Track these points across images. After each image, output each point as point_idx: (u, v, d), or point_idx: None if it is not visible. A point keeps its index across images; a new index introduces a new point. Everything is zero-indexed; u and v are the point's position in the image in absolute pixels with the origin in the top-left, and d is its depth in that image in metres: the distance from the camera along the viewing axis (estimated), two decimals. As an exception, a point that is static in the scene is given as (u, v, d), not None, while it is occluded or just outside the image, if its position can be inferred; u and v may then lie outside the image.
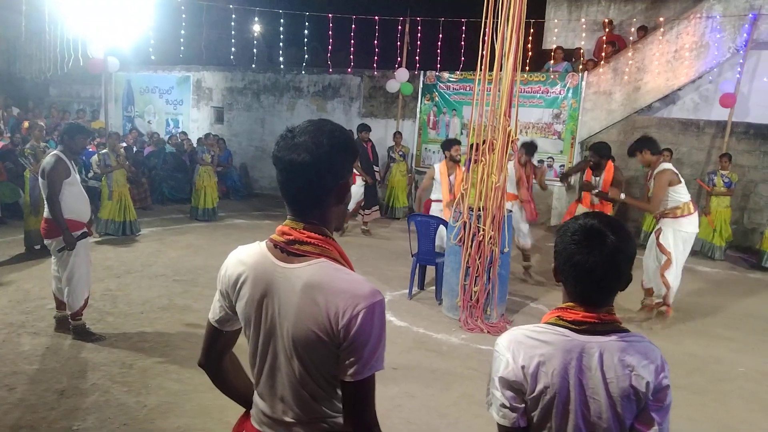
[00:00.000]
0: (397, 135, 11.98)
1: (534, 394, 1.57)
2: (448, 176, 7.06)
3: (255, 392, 1.63)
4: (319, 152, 1.44)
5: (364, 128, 10.28)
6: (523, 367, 1.57)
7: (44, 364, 4.42)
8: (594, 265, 1.54)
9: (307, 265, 1.46)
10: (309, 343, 1.43)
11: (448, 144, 7.24)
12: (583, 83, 11.18)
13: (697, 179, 10.23)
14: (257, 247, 1.56)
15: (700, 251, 9.50)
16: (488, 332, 5.61)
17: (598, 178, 6.60)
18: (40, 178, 4.78)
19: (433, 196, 7.34)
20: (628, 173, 11.04)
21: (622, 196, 6.21)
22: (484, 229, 5.72)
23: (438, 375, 4.66)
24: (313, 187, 1.48)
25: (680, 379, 4.59)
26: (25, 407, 3.77)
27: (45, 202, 4.79)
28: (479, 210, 5.73)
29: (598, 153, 6.58)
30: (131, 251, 8.11)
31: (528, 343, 1.59)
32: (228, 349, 1.73)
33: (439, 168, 7.16)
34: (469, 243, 5.76)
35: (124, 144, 11.45)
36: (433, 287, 6.67)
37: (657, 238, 5.98)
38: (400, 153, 11.91)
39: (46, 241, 4.92)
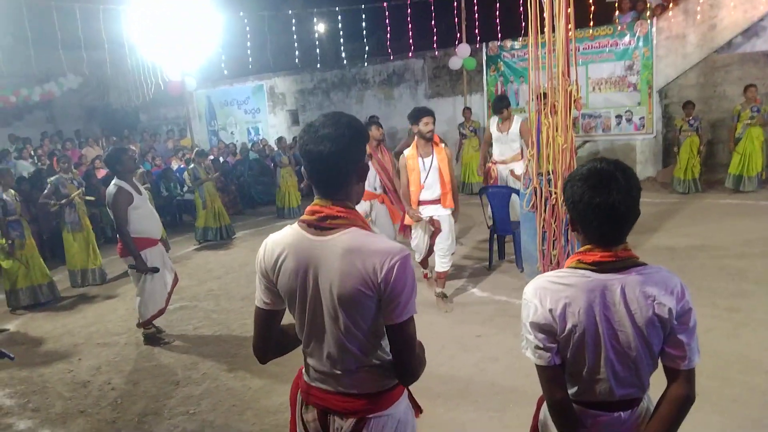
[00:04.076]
0: (466, 111, 12.01)
1: (564, 333, 1.70)
2: (421, 160, 5.38)
3: (305, 353, 1.87)
4: (343, 141, 1.69)
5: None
6: (551, 310, 1.71)
7: (160, 360, 4.97)
8: (615, 202, 1.64)
9: (342, 234, 1.70)
10: (355, 299, 1.66)
11: (417, 114, 5.31)
12: (654, 30, 10.67)
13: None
14: (290, 229, 1.79)
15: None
16: (570, 294, 5.61)
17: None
18: (108, 209, 5.11)
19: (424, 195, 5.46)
20: (714, 115, 10.51)
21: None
22: (556, 193, 5.72)
23: (521, 338, 4.75)
24: (337, 171, 1.72)
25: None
26: (148, 398, 4.29)
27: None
28: (549, 174, 5.73)
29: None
30: (228, 254, 8.74)
31: (552, 288, 1.73)
32: (278, 327, 1.93)
33: (408, 154, 5.44)
34: (543, 208, 5.78)
35: (211, 157, 12.23)
36: (513, 256, 6.73)
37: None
38: (471, 128, 11.93)
39: (122, 259, 5.27)
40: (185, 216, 11.83)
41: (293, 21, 11.77)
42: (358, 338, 1.73)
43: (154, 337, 5.36)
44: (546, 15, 5.52)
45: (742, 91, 9.28)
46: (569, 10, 5.52)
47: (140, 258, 5.02)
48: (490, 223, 6.76)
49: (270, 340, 1.91)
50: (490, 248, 6.77)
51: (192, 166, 9.49)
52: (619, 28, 11.11)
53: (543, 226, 5.85)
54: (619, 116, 11.46)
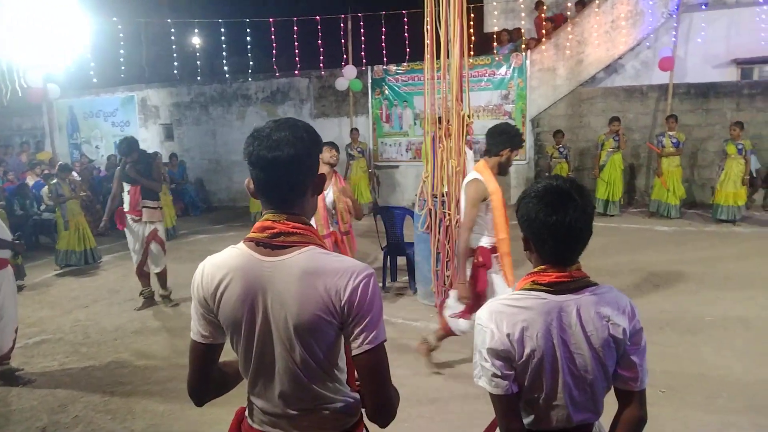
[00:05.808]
0: (354, 132, 12.01)
1: (522, 359, 1.62)
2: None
3: (250, 394, 1.63)
4: (302, 146, 1.49)
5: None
6: (508, 335, 1.61)
7: (20, 403, 4.29)
8: (572, 221, 1.60)
9: (298, 254, 1.49)
10: (314, 327, 1.46)
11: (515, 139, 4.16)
12: (528, 62, 11.40)
13: (647, 143, 10.59)
14: (234, 249, 1.55)
15: (656, 212, 9.83)
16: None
17: None
18: None
19: None
20: (580, 144, 11.34)
21: None
22: (449, 214, 5.79)
23: (422, 361, 4.70)
24: (296, 179, 1.52)
25: (652, 335, 4.75)
26: (7, 449, 3.68)
27: None
28: (443, 196, 5.80)
29: None
30: (95, 280, 7.93)
31: (509, 311, 1.64)
32: (217, 363, 1.67)
33: (492, 185, 3.98)
34: (437, 229, 5.82)
35: (75, 174, 11.16)
36: (406, 277, 6.71)
37: None
38: (358, 149, 11.94)
39: None
40: (43, 238, 10.64)
41: (172, 30, 11.14)
42: (316, 372, 1.52)
43: (11, 375, 4.63)
44: (442, 41, 5.63)
45: (607, 123, 10.12)
46: (464, 39, 5.69)
47: (17, 243, 4.65)
48: (384, 243, 6.71)
49: (209, 378, 1.64)
50: (383, 270, 6.70)
51: (55, 181, 8.56)
52: (497, 58, 11.73)
53: (437, 247, 5.90)
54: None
